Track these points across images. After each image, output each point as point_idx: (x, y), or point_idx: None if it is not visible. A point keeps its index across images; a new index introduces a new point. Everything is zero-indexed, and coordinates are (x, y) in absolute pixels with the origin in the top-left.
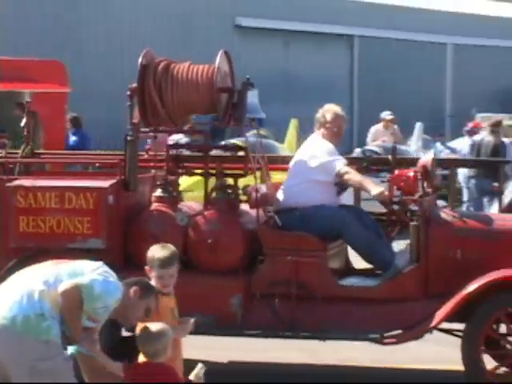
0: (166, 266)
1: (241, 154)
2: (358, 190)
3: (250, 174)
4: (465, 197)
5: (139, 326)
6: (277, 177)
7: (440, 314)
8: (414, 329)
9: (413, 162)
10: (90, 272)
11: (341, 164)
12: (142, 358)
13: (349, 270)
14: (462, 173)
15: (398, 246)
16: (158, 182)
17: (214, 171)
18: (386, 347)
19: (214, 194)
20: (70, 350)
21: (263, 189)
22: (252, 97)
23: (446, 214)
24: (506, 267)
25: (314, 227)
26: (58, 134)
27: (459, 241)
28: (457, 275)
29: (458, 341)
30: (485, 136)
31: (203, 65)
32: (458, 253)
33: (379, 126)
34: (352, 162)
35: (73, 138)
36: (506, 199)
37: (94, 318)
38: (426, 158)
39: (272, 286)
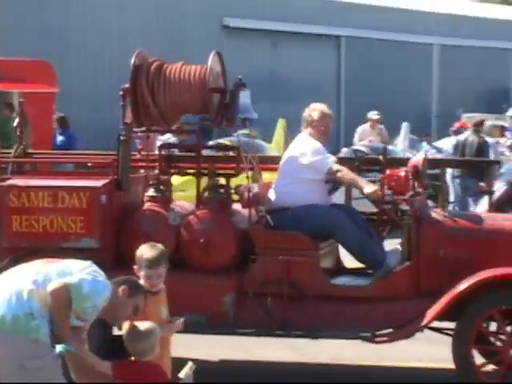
0: (153, 266)
1: (233, 153)
2: (350, 188)
3: (242, 174)
4: (451, 197)
5: (126, 325)
6: (265, 176)
7: (431, 312)
8: (405, 327)
9: (403, 162)
10: (79, 271)
11: (332, 162)
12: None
13: (340, 270)
14: (448, 172)
15: (389, 245)
16: (151, 182)
17: (206, 171)
18: (377, 345)
19: (206, 194)
20: (59, 348)
21: (255, 188)
22: (244, 97)
23: (436, 214)
24: (496, 266)
25: (306, 227)
26: (46, 134)
27: (450, 240)
28: (448, 274)
29: (449, 339)
30: (468, 136)
31: (196, 65)
32: (448, 252)
33: (366, 126)
34: (343, 161)
35: (60, 138)
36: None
37: (82, 317)
38: (417, 158)
39: (264, 285)
